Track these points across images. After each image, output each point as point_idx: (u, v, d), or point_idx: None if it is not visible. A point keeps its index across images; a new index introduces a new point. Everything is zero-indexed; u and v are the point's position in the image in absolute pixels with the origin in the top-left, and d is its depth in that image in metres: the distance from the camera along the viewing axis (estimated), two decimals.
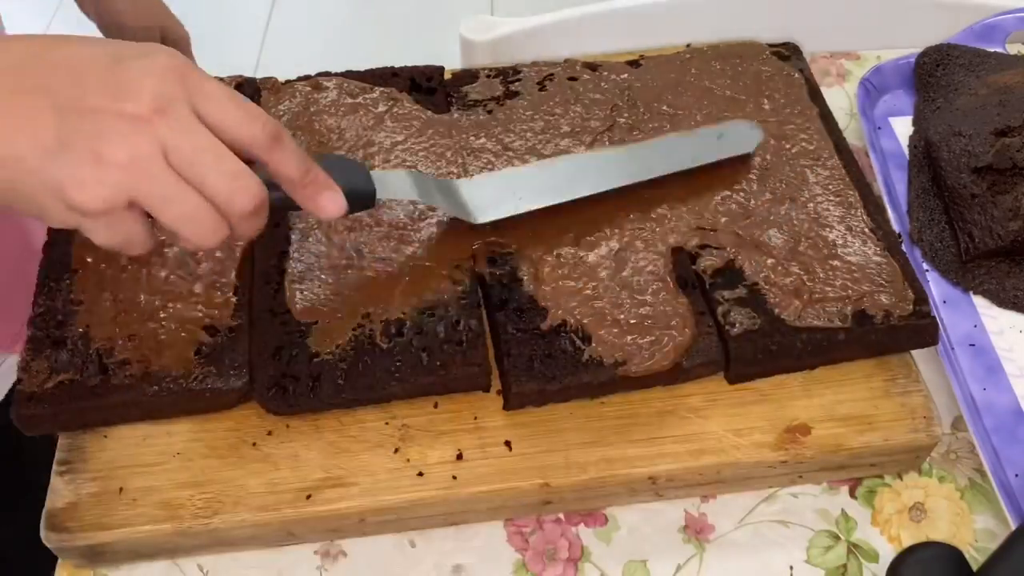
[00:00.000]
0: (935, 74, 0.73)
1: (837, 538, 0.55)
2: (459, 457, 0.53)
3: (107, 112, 0.41)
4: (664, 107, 0.66)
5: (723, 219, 0.60)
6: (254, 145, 0.44)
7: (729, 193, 0.61)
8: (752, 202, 0.61)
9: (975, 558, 0.54)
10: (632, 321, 0.55)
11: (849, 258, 0.58)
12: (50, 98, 0.41)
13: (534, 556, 0.54)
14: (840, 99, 0.76)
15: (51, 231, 0.60)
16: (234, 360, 0.54)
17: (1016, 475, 0.55)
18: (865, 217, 0.60)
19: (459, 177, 0.62)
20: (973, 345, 0.61)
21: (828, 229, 0.59)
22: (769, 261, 0.58)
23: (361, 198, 0.50)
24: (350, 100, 0.66)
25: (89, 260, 0.58)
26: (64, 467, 0.54)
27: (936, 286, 0.63)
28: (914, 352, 0.58)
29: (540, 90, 0.67)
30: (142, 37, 0.78)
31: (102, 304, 0.56)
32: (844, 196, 0.61)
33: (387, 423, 0.55)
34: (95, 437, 0.55)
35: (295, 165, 0.46)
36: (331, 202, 0.48)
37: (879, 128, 0.73)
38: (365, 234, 0.59)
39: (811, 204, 0.61)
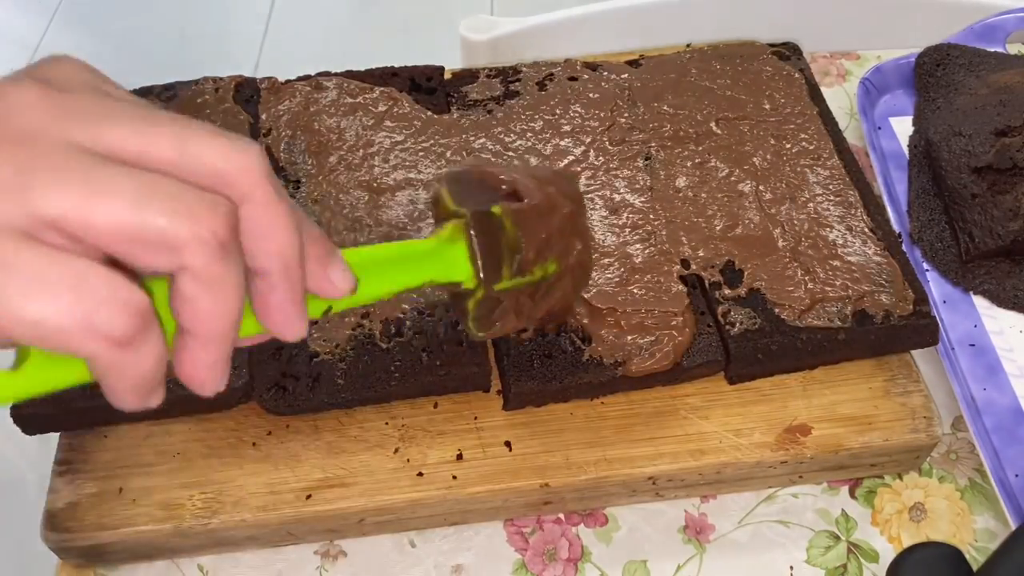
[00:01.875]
0: (935, 74, 0.73)
1: (837, 538, 0.55)
2: (459, 457, 0.53)
3: None
4: (664, 107, 0.66)
5: (720, 225, 0.60)
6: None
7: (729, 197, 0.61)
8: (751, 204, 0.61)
9: (975, 558, 0.54)
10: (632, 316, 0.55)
11: (849, 258, 0.58)
12: None
13: (534, 556, 0.54)
14: (840, 99, 0.76)
15: None
16: (234, 360, 0.54)
17: (1016, 475, 0.55)
18: (865, 217, 0.60)
19: None
20: (973, 345, 0.61)
21: (828, 229, 0.59)
22: (769, 260, 0.58)
23: None
24: (350, 100, 0.66)
25: None
26: (64, 467, 0.53)
27: (936, 286, 0.63)
28: (914, 352, 0.58)
29: (540, 90, 0.67)
30: None
31: None
32: (844, 196, 0.61)
33: (387, 423, 0.55)
34: (95, 437, 0.55)
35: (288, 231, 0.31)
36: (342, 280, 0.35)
37: (879, 128, 0.73)
38: (365, 234, 0.59)
39: (811, 204, 0.61)
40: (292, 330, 0.33)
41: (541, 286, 0.46)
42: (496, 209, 0.44)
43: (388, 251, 0.42)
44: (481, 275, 0.43)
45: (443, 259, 0.43)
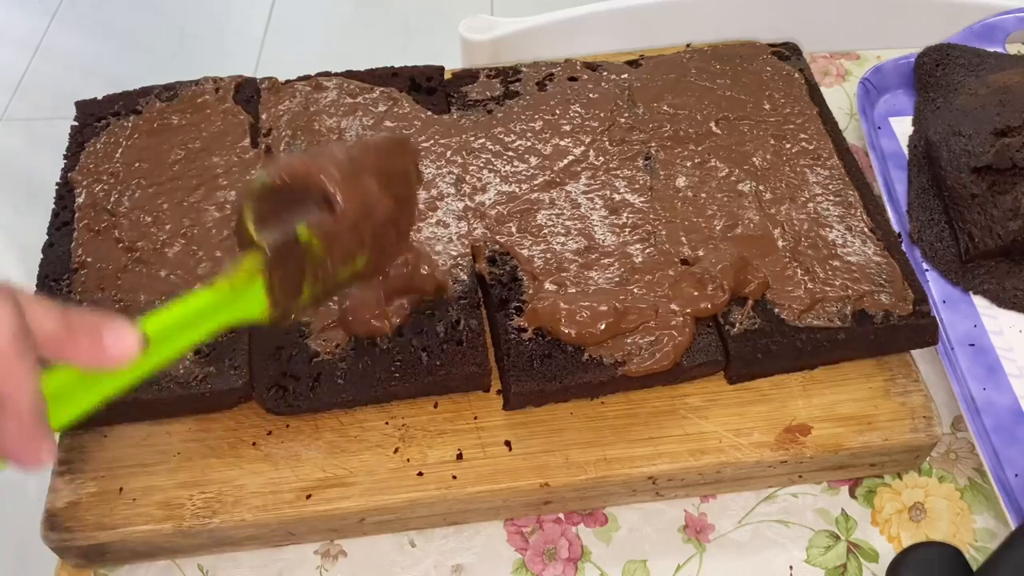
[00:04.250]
0: (935, 74, 0.73)
1: (837, 538, 0.55)
2: (459, 457, 0.53)
3: None
4: (664, 107, 0.66)
5: (720, 224, 0.60)
6: None
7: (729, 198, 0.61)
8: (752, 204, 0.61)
9: (975, 558, 0.54)
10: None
11: (849, 258, 0.58)
12: None
13: (534, 556, 0.54)
14: (840, 99, 0.76)
15: (51, 231, 0.60)
16: (234, 360, 0.54)
17: (1016, 475, 0.55)
18: (865, 217, 0.60)
19: (459, 177, 0.62)
20: (973, 345, 0.61)
21: (828, 229, 0.59)
22: (769, 260, 0.58)
23: None
24: (350, 100, 0.66)
25: (89, 260, 0.58)
26: (64, 467, 0.54)
27: (936, 286, 0.63)
28: (914, 352, 0.58)
29: (540, 90, 0.67)
30: None
31: (102, 304, 0.56)
32: (844, 196, 0.61)
33: (387, 423, 0.55)
34: (95, 437, 0.55)
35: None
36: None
37: (879, 128, 0.73)
38: None
39: (811, 204, 0.61)
40: (29, 455, 0.35)
41: (345, 282, 0.45)
42: (302, 231, 0.41)
43: (182, 309, 0.39)
44: (275, 311, 0.41)
45: (240, 301, 0.40)
